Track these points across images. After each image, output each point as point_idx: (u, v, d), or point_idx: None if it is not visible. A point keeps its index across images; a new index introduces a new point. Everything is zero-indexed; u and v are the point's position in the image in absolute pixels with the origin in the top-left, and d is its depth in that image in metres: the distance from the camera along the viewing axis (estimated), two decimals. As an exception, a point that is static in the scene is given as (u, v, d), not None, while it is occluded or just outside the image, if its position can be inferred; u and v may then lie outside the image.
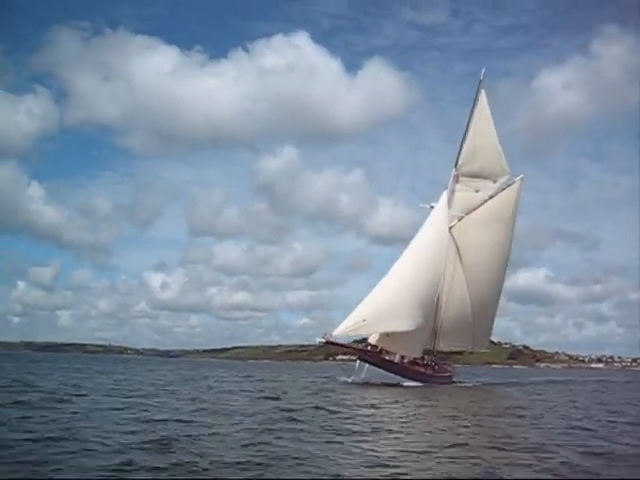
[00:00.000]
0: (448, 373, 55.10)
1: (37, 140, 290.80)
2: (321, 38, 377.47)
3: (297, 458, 12.23)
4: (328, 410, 22.27)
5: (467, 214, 53.13)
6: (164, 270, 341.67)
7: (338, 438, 15.20)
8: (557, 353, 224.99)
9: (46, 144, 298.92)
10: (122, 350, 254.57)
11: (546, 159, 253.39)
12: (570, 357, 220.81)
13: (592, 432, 17.68)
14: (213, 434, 15.04)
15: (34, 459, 11.56)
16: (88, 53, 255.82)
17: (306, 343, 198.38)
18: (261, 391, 32.40)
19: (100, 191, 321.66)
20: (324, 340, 45.96)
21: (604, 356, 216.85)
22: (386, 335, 46.93)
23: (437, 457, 12.81)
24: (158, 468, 11.07)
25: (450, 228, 52.06)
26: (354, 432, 16.37)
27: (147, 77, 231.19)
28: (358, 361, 46.47)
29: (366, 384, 42.58)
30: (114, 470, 10.84)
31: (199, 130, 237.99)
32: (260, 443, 13.84)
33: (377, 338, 47.69)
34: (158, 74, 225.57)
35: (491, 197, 53.27)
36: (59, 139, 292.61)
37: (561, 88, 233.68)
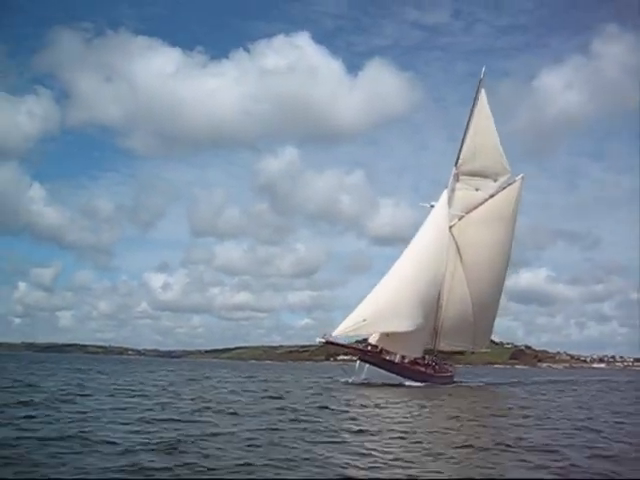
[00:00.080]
0: (449, 373, 54.96)
1: (38, 141, 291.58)
2: (322, 38, 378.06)
3: (306, 459, 12.18)
4: (332, 410, 22.30)
5: (467, 213, 52.97)
6: (166, 271, 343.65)
7: (344, 438, 15.19)
8: (559, 353, 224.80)
9: (47, 145, 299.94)
10: (123, 351, 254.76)
11: (546, 159, 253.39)
12: (572, 357, 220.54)
13: (599, 433, 17.51)
14: (219, 434, 15.02)
15: (38, 459, 11.53)
16: (90, 54, 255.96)
17: (307, 343, 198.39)
18: (265, 391, 32.49)
19: (102, 192, 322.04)
20: (324, 340, 45.90)
21: (606, 356, 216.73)
22: (386, 335, 46.81)
23: (444, 457, 12.75)
24: (165, 469, 11.04)
25: (450, 227, 51.91)
26: (360, 432, 16.36)
27: (149, 78, 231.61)
28: (358, 361, 46.37)
29: (367, 384, 42.50)
30: (121, 471, 10.81)
31: (200, 131, 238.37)
32: (267, 443, 13.81)
33: (377, 338, 47.57)
34: (160, 75, 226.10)
35: (492, 196, 53.10)
36: (60, 140, 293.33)
37: (561, 88, 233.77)
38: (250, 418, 18.64)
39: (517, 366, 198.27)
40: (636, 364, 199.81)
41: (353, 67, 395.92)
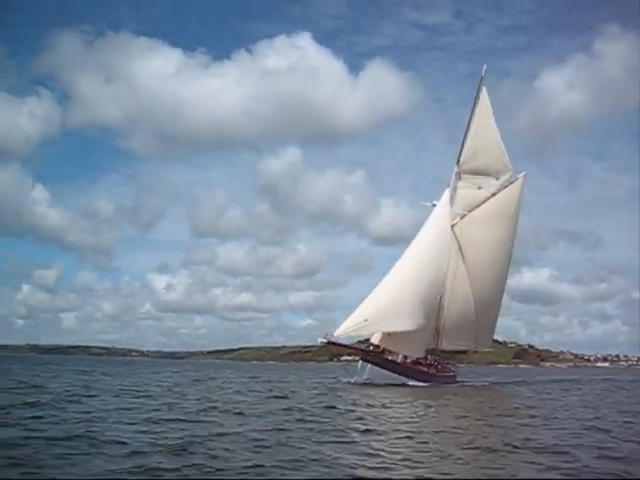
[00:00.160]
0: (451, 373, 54.79)
1: (39, 143, 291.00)
2: (323, 39, 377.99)
3: (314, 459, 12.15)
4: (339, 409, 22.32)
5: (469, 212, 52.83)
6: (167, 272, 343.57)
7: (352, 438, 15.16)
8: (562, 352, 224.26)
9: (48, 147, 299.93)
10: (126, 352, 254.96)
11: (548, 159, 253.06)
12: (575, 356, 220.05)
13: (608, 433, 17.27)
14: (226, 434, 14.99)
15: (46, 459, 11.52)
16: (90, 55, 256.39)
17: (310, 344, 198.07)
18: (270, 391, 32.56)
19: (103, 193, 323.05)
20: (325, 340, 45.70)
21: (609, 355, 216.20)
22: (388, 335, 46.71)
23: (452, 458, 12.69)
24: (173, 469, 11.00)
25: (452, 226, 51.79)
26: (367, 432, 16.35)
27: (149, 79, 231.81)
28: (360, 361, 46.26)
29: (371, 384, 42.45)
30: (129, 472, 10.79)
31: (202, 131, 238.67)
32: (275, 444, 13.79)
33: (379, 338, 47.48)
34: (161, 76, 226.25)
35: (493, 194, 52.97)
36: (61, 141, 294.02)
37: (563, 88, 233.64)
38: (257, 418, 18.64)
39: (520, 365, 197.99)
40: (639, 363, 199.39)
41: (354, 67, 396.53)
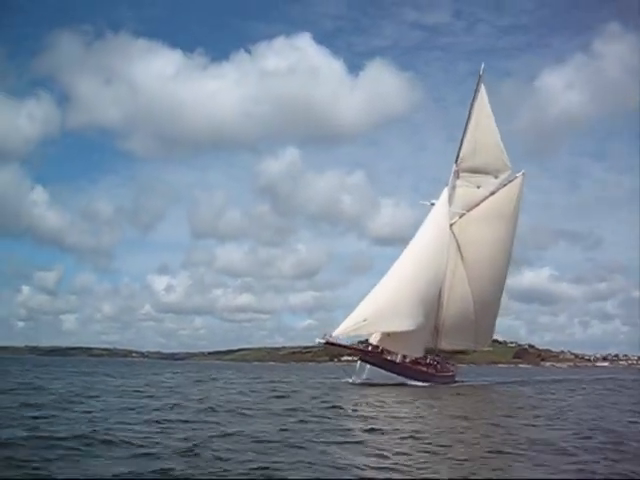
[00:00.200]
0: (450, 372, 54.69)
1: (39, 144, 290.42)
2: (323, 39, 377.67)
3: (321, 460, 12.09)
4: (343, 409, 22.39)
5: (468, 211, 52.71)
6: (167, 273, 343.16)
7: (357, 438, 15.12)
8: (562, 352, 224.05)
9: (48, 148, 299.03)
10: (127, 353, 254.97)
11: (548, 159, 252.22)
12: (576, 356, 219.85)
13: (614, 433, 16.92)
14: (231, 435, 14.96)
15: (50, 459, 11.52)
16: (90, 56, 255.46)
17: (310, 344, 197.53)
18: (273, 391, 32.65)
19: (102, 195, 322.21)
20: (323, 341, 45.45)
21: (610, 354, 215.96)
22: (387, 335, 46.57)
23: (453, 458, 12.62)
24: (180, 470, 10.92)
25: (451, 225, 51.71)
26: (372, 432, 16.36)
27: (149, 80, 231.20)
28: (359, 361, 46.14)
29: (371, 384, 42.39)
30: (134, 472, 10.75)
31: (201, 132, 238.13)
32: (281, 444, 13.75)
33: (378, 338, 47.34)
34: (160, 77, 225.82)
35: (492, 193, 52.85)
36: (61, 143, 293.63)
37: (563, 88, 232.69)
38: (261, 419, 18.65)
39: (520, 365, 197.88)
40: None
41: (354, 67, 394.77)
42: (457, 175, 52.84)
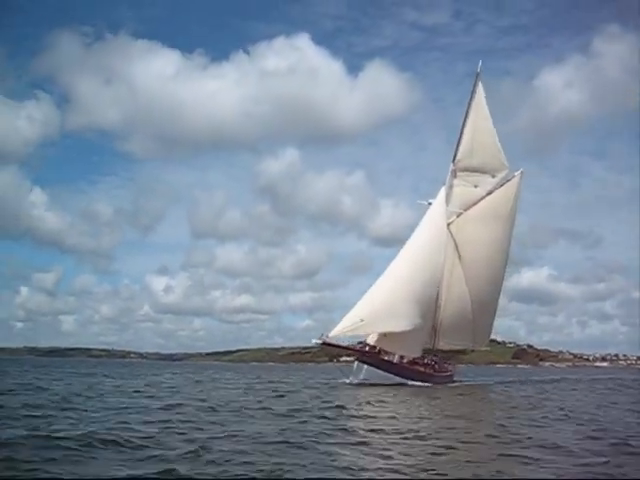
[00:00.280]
0: (449, 373, 54.58)
1: (38, 145, 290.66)
2: (322, 40, 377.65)
3: (327, 460, 12.04)
4: (342, 410, 22.35)
5: (466, 210, 52.59)
6: (167, 274, 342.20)
7: (359, 439, 15.04)
8: (561, 352, 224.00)
9: (47, 149, 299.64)
10: (125, 354, 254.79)
11: (548, 158, 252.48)
12: (574, 356, 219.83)
13: (619, 433, 16.58)
14: (236, 436, 14.84)
15: (53, 460, 11.47)
16: (89, 57, 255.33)
17: (309, 345, 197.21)
18: (274, 391, 32.66)
19: (101, 196, 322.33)
20: (320, 341, 45.18)
21: (608, 354, 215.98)
22: (384, 335, 46.34)
23: (462, 459, 12.52)
24: (187, 471, 10.83)
25: (448, 224, 51.52)
26: (376, 432, 16.34)
27: (148, 81, 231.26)
28: (356, 362, 45.96)
29: (369, 385, 42.26)
30: (138, 473, 10.69)
31: (201, 133, 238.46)
32: (285, 445, 13.69)
33: (376, 338, 47.17)
34: (159, 77, 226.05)
35: (490, 192, 52.76)
36: (60, 144, 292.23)
37: (562, 87, 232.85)
38: (262, 419, 18.62)
39: (519, 365, 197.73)
40: (639, 362, 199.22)
41: (353, 68, 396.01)
42: (454, 174, 52.70)
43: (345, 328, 45.24)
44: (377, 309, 45.09)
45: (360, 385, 41.89)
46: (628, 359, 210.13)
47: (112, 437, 13.75)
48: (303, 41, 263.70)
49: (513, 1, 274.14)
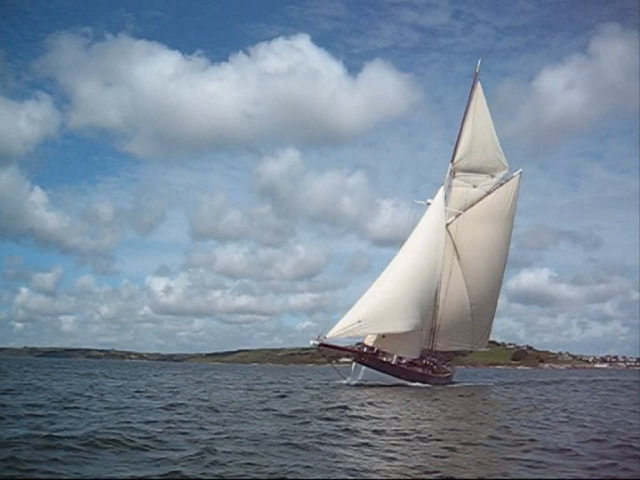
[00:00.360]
0: (447, 374, 54.39)
1: (39, 145, 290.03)
2: (322, 41, 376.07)
3: (331, 461, 12.00)
4: (349, 410, 22.36)
5: (464, 210, 52.25)
6: (167, 274, 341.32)
7: (365, 440, 15.00)
8: (561, 354, 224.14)
9: (48, 150, 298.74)
10: (125, 355, 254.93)
11: (547, 159, 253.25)
12: (574, 357, 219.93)
13: (623, 435, 16.40)
14: (240, 437, 14.81)
15: (54, 460, 11.43)
16: (90, 58, 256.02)
17: (309, 346, 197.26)
18: (276, 392, 32.63)
19: (102, 196, 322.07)
20: (317, 343, 44.93)
21: (608, 356, 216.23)
22: (382, 336, 46.09)
23: (466, 460, 12.51)
24: (193, 472, 10.80)
25: (447, 225, 51.21)
26: (379, 433, 16.33)
27: (149, 81, 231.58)
28: (354, 363, 45.78)
29: (368, 386, 42.13)
30: (140, 473, 10.65)
31: (201, 134, 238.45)
32: (288, 445, 13.65)
33: (373, 339, 46.99)
34: (160, 78, 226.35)
35: (489, 193, 52.46)
36: (61, 144, 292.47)
37: (562, 88, 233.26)
38: (266, 420, 18.57)
39: (519, 367, 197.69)
40: (638, 364, 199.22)
41: (353, 69, 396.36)
42: (453, 174, 52.46)
43: (343, 329, 44.83)
44: (375, 310, 44.75)
45: (358, 386, 41.78)
46: (627, 361, 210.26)
47: (114, 437, 13.72)
48: (303, 42, 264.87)
49: (512, 1, 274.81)
